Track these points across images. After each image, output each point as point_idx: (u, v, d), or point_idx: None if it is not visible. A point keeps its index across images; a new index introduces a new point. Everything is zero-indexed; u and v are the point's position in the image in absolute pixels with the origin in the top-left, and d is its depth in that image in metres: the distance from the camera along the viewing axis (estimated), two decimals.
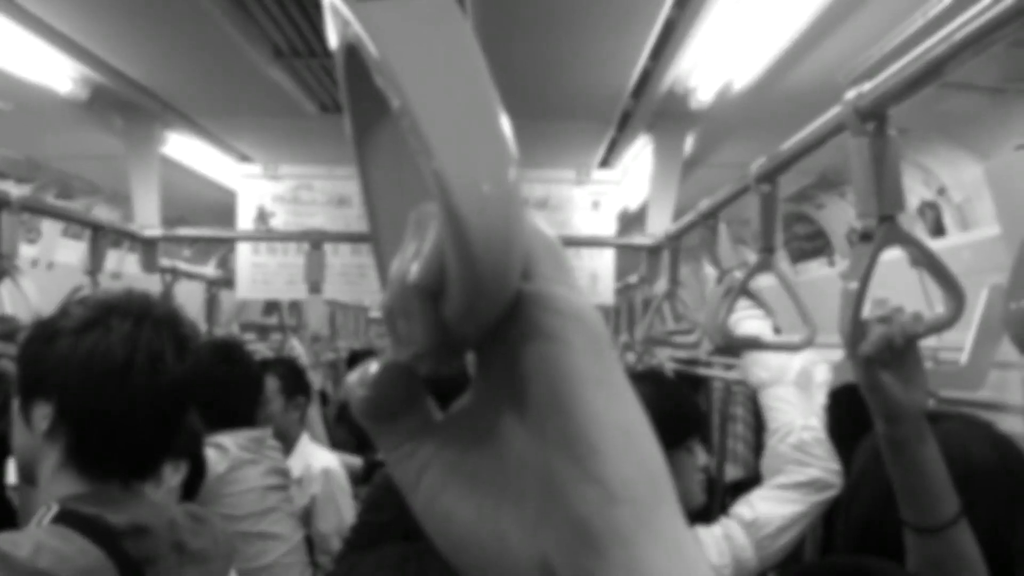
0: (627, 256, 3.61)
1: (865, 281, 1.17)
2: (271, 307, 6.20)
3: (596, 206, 3.59)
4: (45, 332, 1.30)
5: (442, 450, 0.38)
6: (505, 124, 0.35)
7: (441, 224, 0.34)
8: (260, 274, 3.72)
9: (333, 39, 0.43)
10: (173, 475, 1.97)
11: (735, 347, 2.00)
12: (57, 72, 2.61)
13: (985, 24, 0.98)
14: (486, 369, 0.38)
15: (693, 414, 1.96)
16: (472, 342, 0.37)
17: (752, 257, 1.80)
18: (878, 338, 1.15)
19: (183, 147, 3.57)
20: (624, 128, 3.23)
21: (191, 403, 1.39)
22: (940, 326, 1.21)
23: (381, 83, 0.36)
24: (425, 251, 0.35)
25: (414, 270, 0.35)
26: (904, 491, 1.21)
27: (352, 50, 0.40)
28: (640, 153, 3.56)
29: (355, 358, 5.56)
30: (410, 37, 0.37)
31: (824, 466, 1.87)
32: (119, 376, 1.25)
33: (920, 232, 3.17)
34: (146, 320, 1.29)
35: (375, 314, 9.20)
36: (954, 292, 1.20)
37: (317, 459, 3.19)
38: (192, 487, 2.05)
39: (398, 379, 0.38)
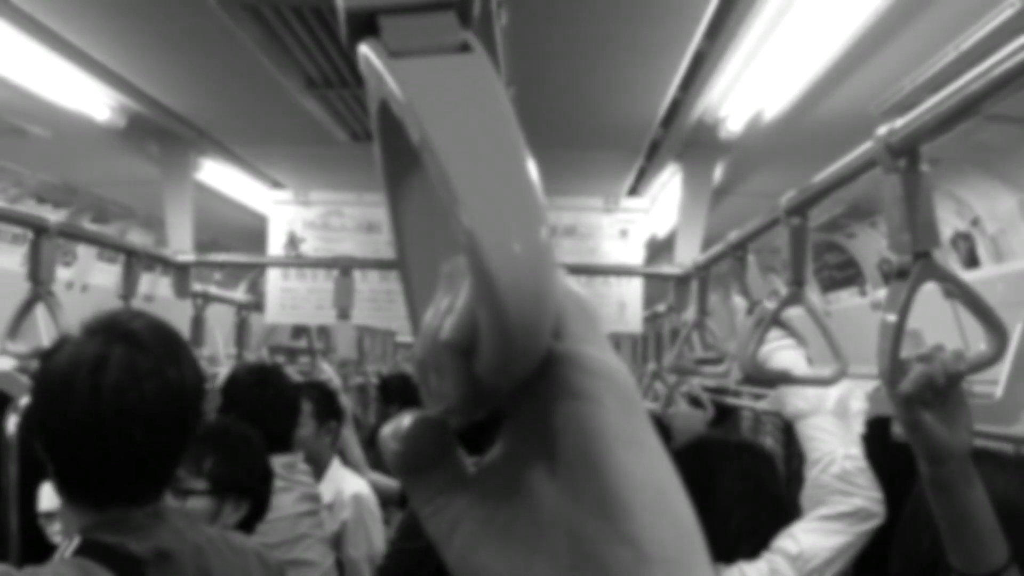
0: (655, 284, 3.61)
1: (903, 319, 1.15)
2: (300, 330, 6.24)
3: (624, 234, 3.59)
4: None
5: (474, 504, 0.38)
6: (536, 183, 0.35)
7: (472, 282, 0.34)
8: (289, 299, 3.75)
9: (368, 93, 0.43)
10: (232, 514, 1.90)
11: (766, 380, 1.98)
12: (95, 101, 2.67)
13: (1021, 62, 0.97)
14: (517, 422, 0.38)
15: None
16: (503, 397, 0.37)
17: (781, 285, 1.78)
18: (919, 377, 1.11)
19: (217, 173, 3.63)
20: (653, 157, 3.24)
21: (179, 425, 1.29)
22: (983, 364, 1.18)
23: (413, 140, 0.37)
24: (457, 307, 0.35)
25: (447, 327, 0.35)
26: (950, 535, 1.17)
27: (386, 105, 0.40)
28: (669, 181, 3.56)
29: (386, 384, 5.55)
30: (442, 95, 0.37)
31: (868, 495, 1.84)
32: (62, 392, 1.21)
33: (953, 263, 3.14)
34: (99, 336, 1.24)
35: (403, 339, 9.23)
36: (996, 329, 1.17)
37: (348, 484, 3.18)
38: (247, 527, 1.96)
39: (430, 433, 0.38)
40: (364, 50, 0.41)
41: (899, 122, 1.15)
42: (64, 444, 1.23)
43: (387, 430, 0.39)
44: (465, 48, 0.40)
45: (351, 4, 0.41)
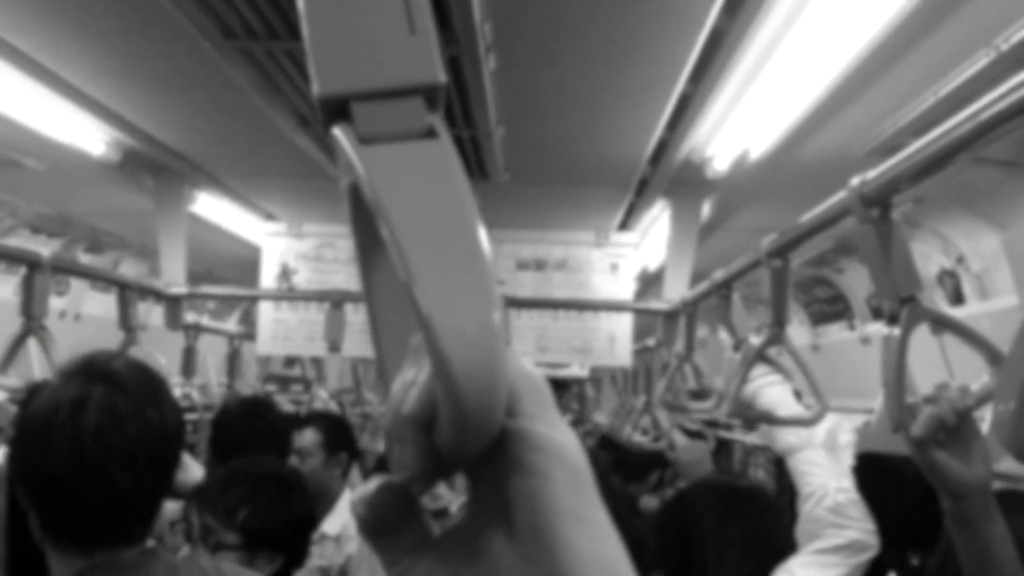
0: (646, 317, 3.63)
1: (902, 365, 1.17)
2: (292, 359, 6.22)
3: (614, 268, 3.62)
4: None
5: (437, 566, 0.40)
6: (490, 267, 0.38)
7: (430, 363, 0.36)
8: (281, 330, 3.76)
9: (340, 173, 0.46)
10: (266, 566, 1.79)
11: (750, 420, 2.00)
12: (91, 136, 2.71)
13: (991, 118, 1.00)
14: (478, 491, 0.41)
15: None
16: (462, 467, 0.40)
17: (767, 319, 1.81)
18: (928, 419, 1.13)
19: (211, 205, 3.65)
20: (642, 193, 3.28)
21: (160, 466, 1.28)
22: (989, 396, 1.18)
23: (379, 226, 0.39)
24: (420, 383, 0.37)
25: (409, 401, 0.37)
26: (971, 569, 1.18)
27: (356, 188, 0.43)
28: (659, 216, 3.59)
29: None
30: (405, 184, 0.40)
31: (862, 527, 1.84)
32: (43, 436, 1.20)
33: (940, 300, 3.17)
34: (78, 378, 1.23)
35: None
36: (997, 359, 1.18)
37: None
38: None
39: (395, 499, 0.41)
40: (337, 134, 0.43)
41: (871, 173, 1.18)
42: (47, 489, 1.22)
43: (356, 495, 0.41)
44: (431, 134, 0.43)
45: (325, 91, 0.44)
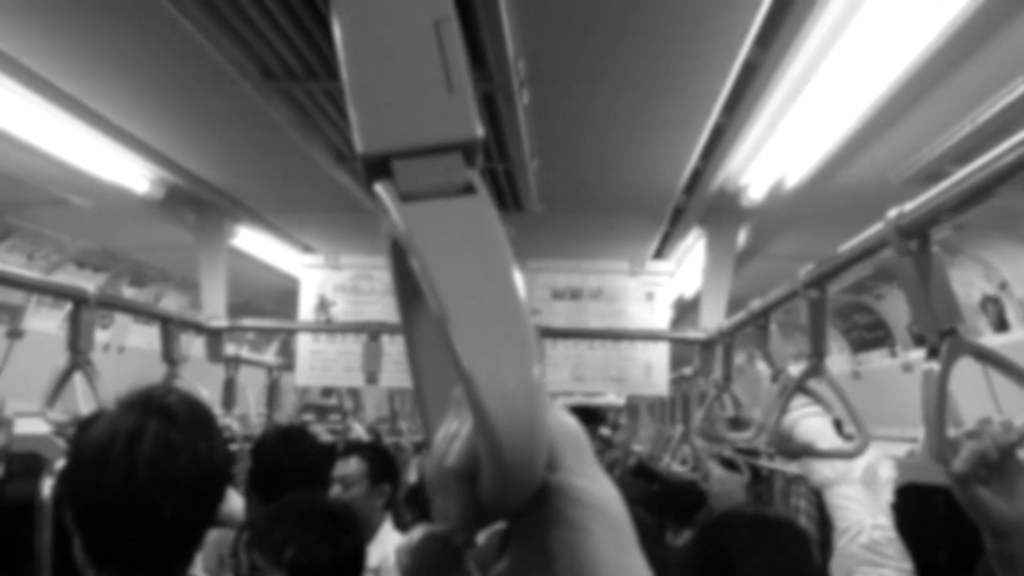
0: (682, 345, 3.61)
1: (943, 399, 1.15)
2: (329, 388, 6.26)
3: (650, 296, 3.61)
4: None
5: None
6: (530, 325, 0.39)
7: (471, 417, 0.37)
8: (319, 361, 3.79)
9: (382, 229, 0.47)
10: None
11: (790, 453, 1.97)
12: (135, 175, 2.78)
13: None
14: (519, 541, 0.41)
15: None
16: (504, 518, 0.41)
17: (805, 345, 1.80)
18: (970, 455, 1.09)
19: (250, 239, 3.72)
20: (677, 222, 3.28)
21: (207, 497, 1.31)
22: None
23: (419, 282, 0.40)
24: (462, 435, 0.38)
25: (452, 454, 0.38)
26: None
27: (398, 243, 0.44)
28: (694, 245, 3.58)
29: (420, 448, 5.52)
30: (445, 241, 0.41)
31: (897, 566, 1.81)
32: (98, 463, 1.23)
33: (983, 327, 3.11)
34: (135, 410, 1.27)
35: None
36: None
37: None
38: None
39: (438, 548, 0.42)
40: (379, 190, 0.45)
41: (908, 205, 1.17)
42: (96, 515, 1.25)
43: (401, 544, 0.42)
44: (469, 189, 0.44)
45: (367, 149, 0.45)
